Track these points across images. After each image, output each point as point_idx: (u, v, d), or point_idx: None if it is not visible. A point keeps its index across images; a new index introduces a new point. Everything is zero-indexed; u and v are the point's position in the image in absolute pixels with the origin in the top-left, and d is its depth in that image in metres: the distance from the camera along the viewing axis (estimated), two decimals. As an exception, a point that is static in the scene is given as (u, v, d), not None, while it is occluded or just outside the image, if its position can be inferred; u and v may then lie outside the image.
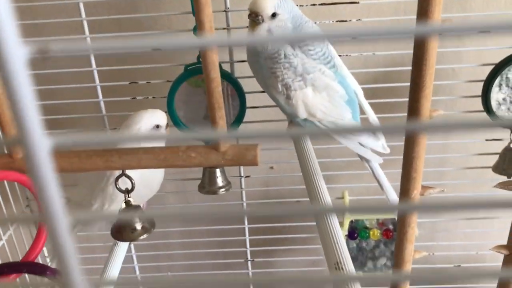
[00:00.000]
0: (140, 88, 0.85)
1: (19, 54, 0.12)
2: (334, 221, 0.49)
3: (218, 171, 0.78)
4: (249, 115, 0.77)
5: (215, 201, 0.93)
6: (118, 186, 0.52)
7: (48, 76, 0.83)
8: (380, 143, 0.70)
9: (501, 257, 0.63)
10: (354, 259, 0.95)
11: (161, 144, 0.69)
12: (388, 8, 0.83)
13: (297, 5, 0.66)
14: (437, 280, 0.16)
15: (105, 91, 0.84)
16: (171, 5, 0.84)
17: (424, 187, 0.51)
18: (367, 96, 0.72)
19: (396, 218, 0.53)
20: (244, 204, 0.96)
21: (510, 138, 0.76)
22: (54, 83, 0.83)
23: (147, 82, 0.83)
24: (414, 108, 0.46)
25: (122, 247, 0.68)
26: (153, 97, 0.83)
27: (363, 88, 0.72)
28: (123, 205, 0.53)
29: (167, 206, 1.00)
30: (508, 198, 0.17)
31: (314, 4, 0.78)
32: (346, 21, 0.80)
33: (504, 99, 0.74)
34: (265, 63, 0.66)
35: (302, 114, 0.68)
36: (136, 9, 0.84)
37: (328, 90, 0.67)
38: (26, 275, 0.76)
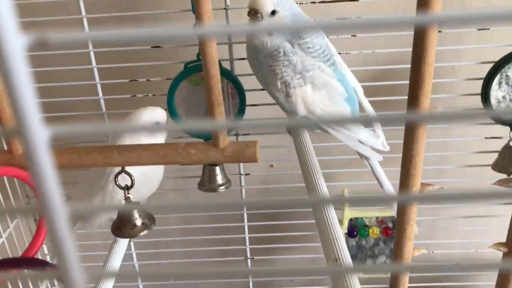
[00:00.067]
0: (140, 86, 0.85)
1: (17, 43, 0.12)
2: (333, 217, 0.49)
3: (218, 168, 0.78)
4: (249, 112, 0.77)
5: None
6: (117, 183, 0.52)
7: (48, 74, 0.83)
8: (379, 141, 0.71)
9: (500, 255, 0.63)
10: (353, 257, 0.95)
11: (160, 139, 0.69)
12: (388, 6, 0.83)
13: (296, 3, 0.66)
14: (436, 270, 0.16)
15: (105, 88, 0.84)
16: (171, 2, 0.84)
17: (423, 184, 0.51)
18: (366, 94, 0.72)
19: (395, 216, 0.53)
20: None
21: (510, 136, 0.76)
22: (54, 81, 0.83)
23: (147, 80, 0.83)
24: (413, 106, 0.46)
25: (122, 245, 0.68)
26: (153, 95, 0.83)
27: (363, 86, 0.72)
28: (123, 202, 0.53)
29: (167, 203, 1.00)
30: (506, 189, 0.17)
31: (313, 2, 0.78)
32: (346, 18, 0.80)
33: (503, 97, 0.74)
34: (264, 60, 0.66)
35: (302, 111, 0.68)
36: (136, 7, 0.84)
37: (328, 87, 0.67)
38: (26, 271, 0.76)
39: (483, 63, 0.77)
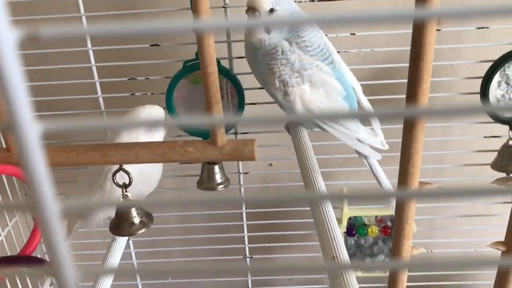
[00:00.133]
0: (139, 84, 0.85)
1: (9, 38, 0.12)
2: (331, 215, 0.49)
3: (216, 167, 0.78)
4: (248, 111, 0.77)
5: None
6: (115, 181, 0.52)
7: (47, 72, 0.83)
8: (378, 139, 0.71)
9: (499, 254, 0.63)
10: (352, 256, 0.95)
11: (159, 138, 0.69)
12: (388, 4, 0.83)
13: (295, 1, 0.66)
14: (433, 268, 0.16)
15: (104, 87, 0.84)
16: (170, 1, 0.84)
17: (422, 183, 0.51)
18: (366, 93, 0.72)
19: (394, 214, 0.53)
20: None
21: (509, 135, 0.76)
22: (53, 79, 0.83)
23: (146, 78, 0.83)
24: (411, 104, 0.46)
25: (120, 244, 0.68)
26: (152, 93, 0.83)
27: (362, 85, 0.72)
28: (121, 200, 0.53)
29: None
30: (504, 187, 0.17)
31: (312, 0, 0.78)
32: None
33: (503, 95, 0.74)
34: (262, 59, 0.66)
35: (300, 110, 0.68)
36: (135, 5, 0.84)
37: (326, 86, 0.67)
38: (21, 268, 0.76)
39: (482, 61, 0.77)
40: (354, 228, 0.93)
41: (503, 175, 0.76)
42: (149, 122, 0.16)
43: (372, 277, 0.96)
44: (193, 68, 0.74)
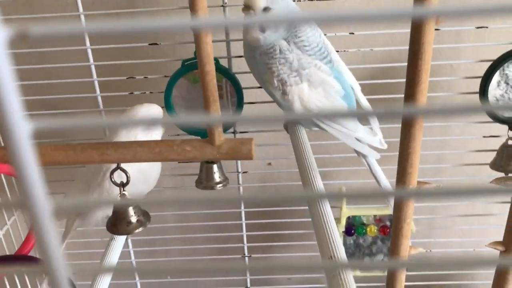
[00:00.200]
0: (138, 83, 0.85)
1: (-2, 36, 0.11)
2: (329, 214, 0.49)
3: (215, 166, 0.78)
4: (246, 110, 0.77)
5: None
6: (113, 180, 0.52)
7: (46, 71, 0.83)
8: (377, 139, 0.70)
9: (497, 254, 0.63)
10: (351, 255, 0.95)
11: (157, 136, 0.69)
12: (386, 3, 0.83)
13: (294, 0, 0.66)
14: (432, 266, 0.16)
15: (102, 86, 0.84)
16: (169, 0, 0.84)
17: (420, 183, 0.51)
18: (364, 92, 0.72)
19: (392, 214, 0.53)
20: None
21: (508, 135, 0.76)
22: (51, 78, 0.83)
23: (144, 77, 0.83)
24: (410, 103, 0.46)
25: (119, 242, 0.68)
26: (151, 92, 0.83)
27: (360, 84, 0.72)
28: (118, 199, 0.53)
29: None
30: (502, 186, 0.17)
31: None
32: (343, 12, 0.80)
33: (502, 95, 0.74)
34: (260, 58, 0.66)
35: (298, 109, 0.68)
36: (134, 4, 0.84)
37: (324, 85, 0.67)
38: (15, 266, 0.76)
39: (481, 61, 0.77)
40: (353, 227, 0.93)
41: (502, 174, 0.76)
42: (145, 120, 0.16)
43: (371, 277, 0.96)
44: (191, 67, 0.74)
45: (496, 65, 0.72)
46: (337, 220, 0.89)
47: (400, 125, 0.45)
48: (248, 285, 1.07)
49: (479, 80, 0.73)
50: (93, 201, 0.20)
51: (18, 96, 0.12)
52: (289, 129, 0.72)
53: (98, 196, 0.68)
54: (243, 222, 0.98)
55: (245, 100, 0.77)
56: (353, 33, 0.81)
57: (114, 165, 0.54)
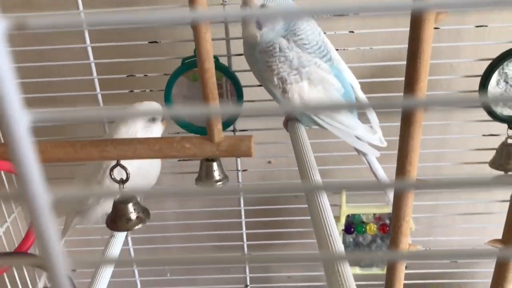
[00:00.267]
0: (138, 81, 0.85)
1: (-4, 27, 0.12)
2: (328, 213, 0.49)
3: (215, 164, 0.78)
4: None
5: (212, 195, 0.93)
6: (113, 176, 0.52)
7: (46, 68, 0.83)
8: (377, 137, 0.71)
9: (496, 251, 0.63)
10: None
11: (157, 134, 0.69)
12: (387, 0, 0.82)
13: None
14: (432, 258, 0.16)
15: (102, 84, 0.84)
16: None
17: (419, 181, 0.51)
18: (364, 90, 0.72)
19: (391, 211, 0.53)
20: (241, 197, 0.96)
21: (507, 134, 0.76)
22: (52, 76, 0.83)
23: (144, 75, 0.83)
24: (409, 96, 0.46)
25: (119, 240, 0.68)
26: (151, 90, 0.83)
27: (360, 82, 0.72)
28: (118, 196, 0.53)
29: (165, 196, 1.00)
30: (502, 177, 0.17)
31: (312, -2, 0.78)
32: (343, 15, 0.80)
33: (501, 94, 0.74)
34: (260, 56, 0.66)
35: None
36: (134, 2, 0.84)
37: (324, 83, 0.67)
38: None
39: (481, 60, 0.77)
40: (352, 225, 0.93)
41: (502, 173, 0.76)
42: (145, 112, 0.16)
43: (370, 275, 0.96)
44: (191, 65, 0.74)
45: (496, 64, 0.72)
46: (337, 218, 0.89)
47: (399, 123, 0.45)
48: (248, 283, 1.07)
49: (479, 78, 0.74)
50: (92, 193, 0.20)
51: (16, 86, 0.12)
52: (288, 128, 0.72)
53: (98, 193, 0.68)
54: (243, 220, 0.98)
55: (245, 99, 0.77)
56: (352, 32, 0.81)
57: (114, 163, 0.54)
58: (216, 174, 0.78)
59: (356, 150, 0.72)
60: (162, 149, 0.45)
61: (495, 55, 0.72)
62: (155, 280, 1.08)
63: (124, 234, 0.68)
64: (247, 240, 1.01)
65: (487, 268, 0.94)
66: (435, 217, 0.98)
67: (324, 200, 0.50)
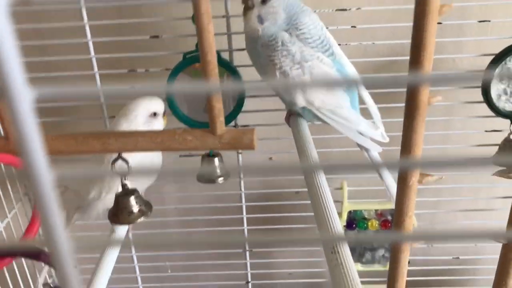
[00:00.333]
0: (139, 76, 0.85)
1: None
2: (332, 207, 0.49)
3: (216, 160, 0.78)
4: (248, 104, 0.77)
5: (213, 190, 0.93)
6: (114, 169, 0.52)
7: (47, 63, 0.83)
8: (379, 132, 0.70)
9: (499, 248, 0.63)
10: (352, 250, 0.94)
11: (158, 128, 0.69)
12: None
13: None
14: (439, 238, 0.16)
15: (103, 78, 0.84)
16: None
17: (422, 175, 0.51)
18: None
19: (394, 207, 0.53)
20: (243, 193, 0.96)
21: (510, 129, 0.75)
22: (52, 70, 0.82)
23: (145, 70, 0.82)
24: (412, 95, 0.45)
25: (120, 236, 0.67)
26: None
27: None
28: (120, 189, 0.52)
29: (166, 195, 1.00)
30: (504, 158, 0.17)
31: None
32: (346, 9, 0.80)
33: (504, 90, 0.74)
34: (262, 50, 0.66)
35: (301, 102, 0.67)
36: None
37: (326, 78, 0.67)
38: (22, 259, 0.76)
39: (484, 55, 0.77)
40: (354, 222, 0.93)
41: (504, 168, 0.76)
42: (146, 87, 0.15)
43: (373, 271, 0.96)
44: (193, 59, 0.74)
45: (498, 59, 0.72)
46: (339, 214, 0.89)
47: (402, 119, 0.45)
48: (249, 279, 1.07)
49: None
50: (94, 173, 0.20)
51: (19, 61, 0.12)
52: (290, 123, 0.72)
53: (100, 187, 0.68)
54: (244, 216, 0.98)
55: (246, 94, 0.77)
56: (355, 27, 0.81)
57: (116, 156, 0.54)
58: (218, 170, 0.78)
59: (358, 145, 0.71)
60: (164, 142, 0.44)
61: (498, 50, 0.72)
62: (156, 277, 1.08)
63: (125, 231, 0.68)
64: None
65: (490, 265, 0.94)
66: (437, 213, 0.98)
67: (327, 196, 0.50)
